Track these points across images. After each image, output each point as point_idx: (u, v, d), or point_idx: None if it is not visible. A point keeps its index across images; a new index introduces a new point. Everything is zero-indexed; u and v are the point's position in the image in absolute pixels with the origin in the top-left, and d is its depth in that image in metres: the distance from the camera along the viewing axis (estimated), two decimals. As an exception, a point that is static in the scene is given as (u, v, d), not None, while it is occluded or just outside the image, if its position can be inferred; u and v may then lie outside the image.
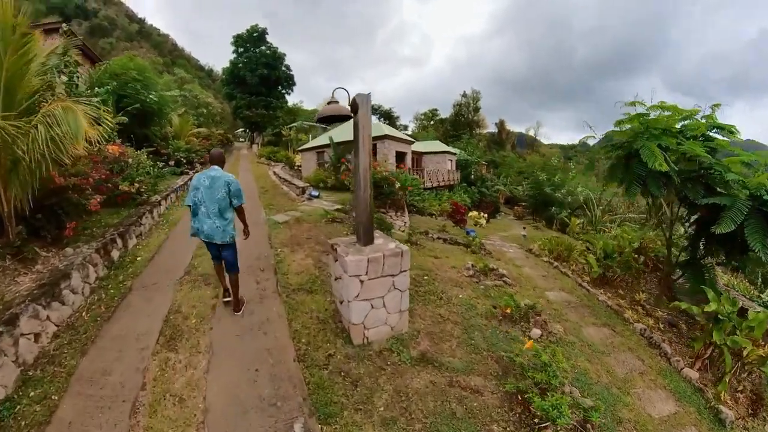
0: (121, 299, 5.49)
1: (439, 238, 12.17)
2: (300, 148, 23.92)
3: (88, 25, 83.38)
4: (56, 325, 4.54)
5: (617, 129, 7.31)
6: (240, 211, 4.89)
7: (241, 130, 49.64)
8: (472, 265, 7.89)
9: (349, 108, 4.61)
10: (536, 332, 5.37)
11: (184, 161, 16.78)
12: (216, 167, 4.79)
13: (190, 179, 16.97)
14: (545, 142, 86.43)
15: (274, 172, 20.94)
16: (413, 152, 24.14)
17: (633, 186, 6.58)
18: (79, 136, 4.97)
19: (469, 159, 36.91)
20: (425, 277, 6.94)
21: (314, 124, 39.21)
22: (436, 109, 65.97)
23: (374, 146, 18.57)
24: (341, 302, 4.85)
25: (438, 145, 33.15)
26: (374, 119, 53.41)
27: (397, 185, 13.08)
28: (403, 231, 11.11)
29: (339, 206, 12.16)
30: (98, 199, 7.19)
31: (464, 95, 65.77)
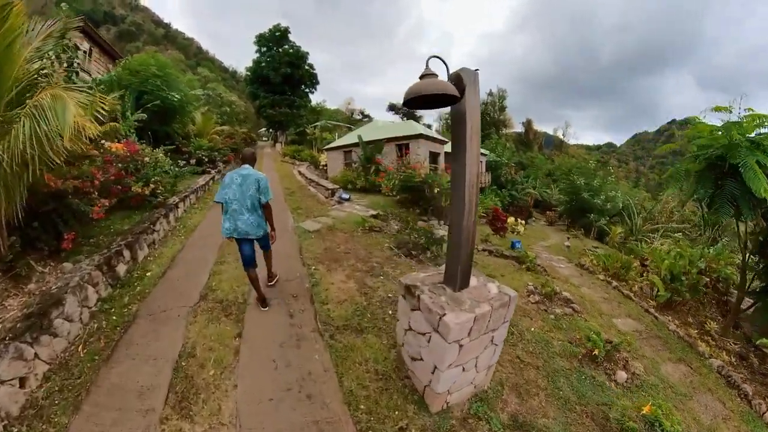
0: (124, 331, 4.36)
1: (484, 250, 10.85)
2: (326, 147, 22.91)
3: (116, 30, 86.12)
4: (47, 363, 3.61)
5: (700, 135, 6.46)
6: (266, 208, 4.79)
7: (264, 129, 49.14)
8: (535, 288, 6.84)
9: (452, 85, 2.94)
10: (622, 375, 4.71)
11: (206, 160, 15.84)
12: (247, 166, 4.85)
13: (212, 179, 16.14)
14: (573, 142, 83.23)
15: (300, 172, 19.88)
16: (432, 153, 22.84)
17: (725, 207, 5.89)
18: (66, 129, 3.85)
19: (499, 160, 35.23)
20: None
21: (339, 123, 38.31)
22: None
23: (406, 146, 17.31)
24: (414, 359, 3.54)
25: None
26: (394, 118, 52.23)
27: (436, 190, 11.78)
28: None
29: (374, 212, 10.92)
30: (102, 205, 6.14)
31: (490, 94, 63.72)
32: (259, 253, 5.03)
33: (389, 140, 17.22)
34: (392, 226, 9.80)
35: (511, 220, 19.17)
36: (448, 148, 25.76)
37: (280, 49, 38.09)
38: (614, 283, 8.82)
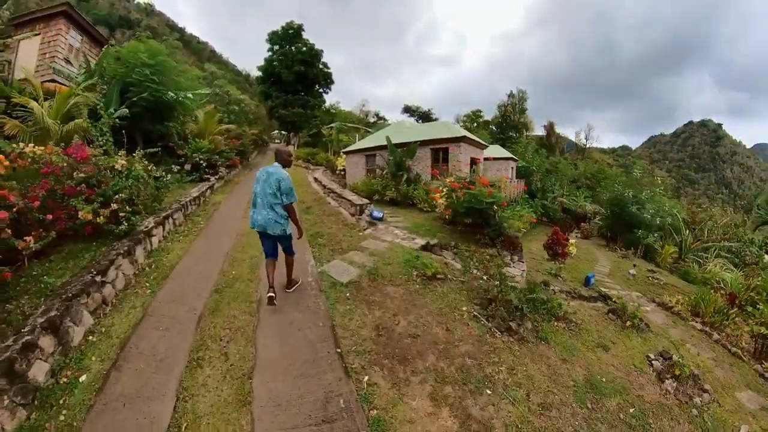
0: None
1: (561, 291, 8.07)
2: (345, 150, 20.19)
3: (131, 34, 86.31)
4: None
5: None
6: (289, 210, 4.76)
7: (277, 131, 46.72)
8: (663, 366, 5.07)
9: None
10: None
11: (204, 165, 13.15)
12: (277, 164, 4.87)
13: (210, 188, 12.80)
14: (597, 146, 79.73)
15: (315, 179, 17.15)
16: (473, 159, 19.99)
17: None
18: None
19: (529, 166, 32.28)
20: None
21: (356, 125, 35.62)
22: (479, 110, 60.99)
23: (444, 150, 14.49)
24: None
25: (499, 151, 28.79)
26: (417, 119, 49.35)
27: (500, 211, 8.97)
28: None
29: (421, 239, 8.16)
30: (25, 245, 3.51)
31: (510, 95, 60.67)
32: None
33: (422, 143, 14.47)
34: (455, 266, 6.99)
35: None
36: (488, 152, 22.94)
37: (293, 47, 35.72)
38: (715, 335, 7.28)
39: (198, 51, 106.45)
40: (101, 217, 5.57)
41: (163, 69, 12.07)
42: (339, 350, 3.96)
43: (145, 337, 4.11)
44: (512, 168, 28.56)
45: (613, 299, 7.86)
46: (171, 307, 4.73)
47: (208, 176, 12.99)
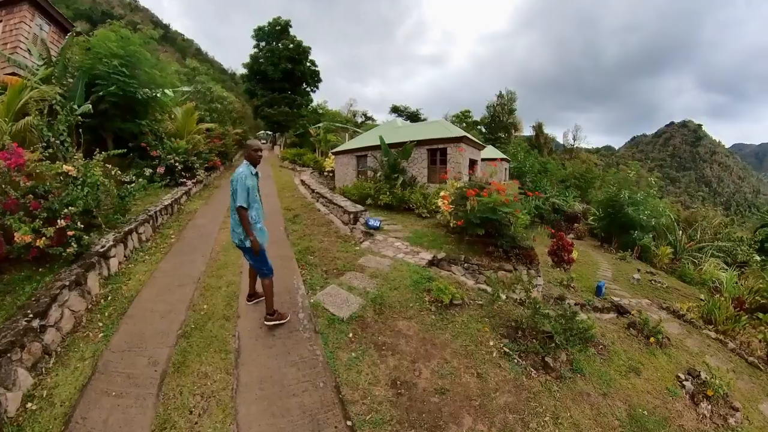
0: None
1: (577, 303, 7.56)
2: (334, 151, 19.12)
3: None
4: None
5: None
6: (240, 216, 3.99)
7: (263, 132, 45.26)
8: (696, 388, 4.81)
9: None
10: None
11: (180, 167, 11.97)
12: (245, 162, 4.26)
13: (187, 194, 11.18)
14: (584, 146, 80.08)
15: (303, 181, 16.09)
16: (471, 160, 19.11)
17: None
18: None
19: (522, 167, 31.72)
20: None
21: (344, 125, 34.50)
22: (468, 111, 60.38)
23: (442, 151, 13.59)
24: None
25: (493, 152, 28.13)
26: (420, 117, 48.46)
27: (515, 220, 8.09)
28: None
29: (427, 252, 7.30)
30: None
31: (500, 95, 60.32)
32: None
33: (418, 144, 13.54)
34: (467, 284, 6.11)
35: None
36: (485, 154, 22.11)
37: (280, 44, 34.46)
38: (730, 344, 7.07)
39: (182, 48, 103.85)
40: (43, 238, 4.49)
41: (135, 61, 10.89)
42: (350, 423, 3.00)
43: (94, 405, 3.11)
44: (506, 169, 27.90)
45: (631, 311, 7.53)
46: (127, 358, 3.70)
47: (185, 180, 11.84)
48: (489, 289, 6.10)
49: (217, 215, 9.96)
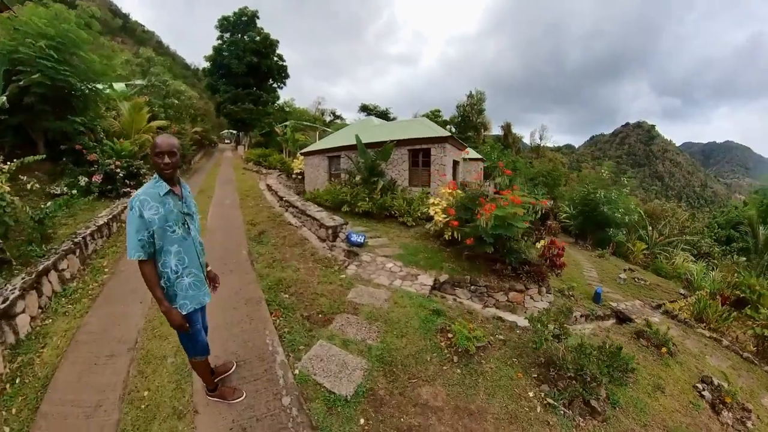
0: None
1: (582, 315, 7.57)
2: (303, 151, 17.52)
3: None
4: None
5: None
6: (141, 271, 2.47)
7: (227, 131, 42.59)
8: (714, 396, 4.86)
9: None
10: None
11: (122, 175, 10.12)
12: (154, 177, 2.55)
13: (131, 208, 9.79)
14: (550, 145, 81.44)
15: (269, 186, 14.45)
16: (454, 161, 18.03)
17: None
18: None
19: (496, 166, 31.07)
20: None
21: (313, 124, 32.72)
22: (438, 110, 59.69)
23: (425, 152, 12.36)
24: None
25: (470, 151, 27.15)
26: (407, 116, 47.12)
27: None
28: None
29: (425, 274, 6.12)
30: None
31: (470, 95, 60.09)
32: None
33: (398, 144, 12.30)
34: (476, 309, 5.05)
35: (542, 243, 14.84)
36: (472, 154, 21.07)
37: (246, 36, 32.08)
38: (724, 341, 7.27)
39: (143, 40, 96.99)
40: None
41: (69, 43, 8.95)
42: None
43: None
44: (481, 168, 27.11)
45: (632, 318, 7.48)
46: None
47: (128, 190, 10.01)
48: (506, 316, 5.31)
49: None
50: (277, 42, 33.33)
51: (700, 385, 5.16)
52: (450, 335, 4.30)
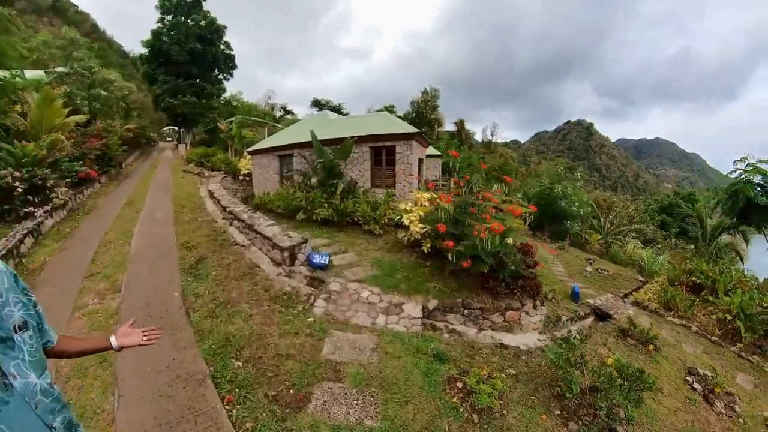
0: None
1: (568, 319, 7.16)
2: (250, 150, 15.34)
3: None
4: None
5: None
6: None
7: (169, 128, 38.43)
8: (707, 389, 5.27)
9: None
10: None
11: (22, 189, 7.72)
12: None
13: (30, 235, 6.28)
14: (500, 141, 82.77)
15: (211, 193, 12.33)
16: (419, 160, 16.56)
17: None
18: None
19: (454, 163, 30.40)
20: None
21: (262, 120, 29.99)
22: (393, 106, 58.40)
23: (389, 150, 10.78)
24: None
25: (429, 148, 26.06)
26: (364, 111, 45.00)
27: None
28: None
29: (410, 301, 4.97)
30: None
31: (424, 92, 59.46)
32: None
33: (359, 141, 10.66)
34: (470, 334, 5.04)
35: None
36: (430, 150, 19.68)
37: (189, 19, 28.34)
38: (693, 327, 7.77)
39: (75, 22, 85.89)
40: None
41: None
42: None
43: None
44: (439, 165, 26.13)
45: (609, 313, 7.61)
46: None
47: (32, 210, 7.61)
48: (506, 339, 5.18)
49: (76, 275, 6.17)
50: (225, 28, 30.04)
51: (689, 378, 5.42)
52: (460, 384, 3.75)
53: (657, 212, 31.56)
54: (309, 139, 10.66)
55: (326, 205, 9.43)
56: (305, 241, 6.74)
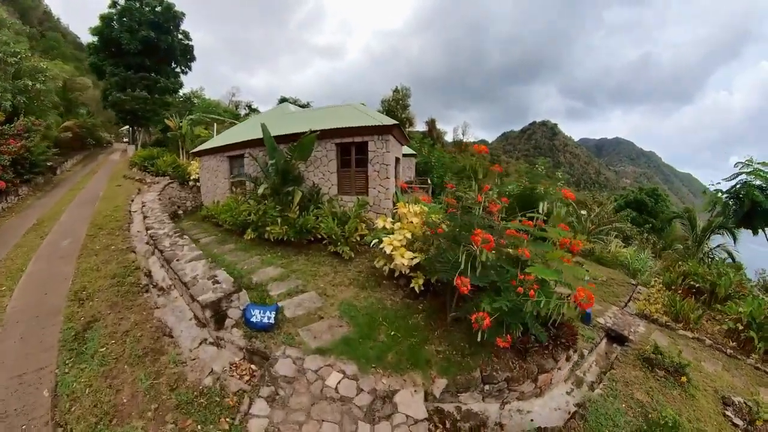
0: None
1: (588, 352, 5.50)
2: (196, 150, 12.67)
3: None
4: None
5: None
6: None
7: (126, 127, 34.39)
8: (748, 422, 4.68)
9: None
10: None
11: None
12: None
13: None
14: (471, 140, 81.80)
15: (143, 207, 9.78)
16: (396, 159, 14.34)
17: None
18: None
19: (428, 162, 28.51)
20: None
21: (219, 117, 26.83)
22: (364, 104, 56.12)
23: (363, 146, 8.50)
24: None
25: (404, 148, 24.04)
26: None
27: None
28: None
29: (408, 382, 3.43)
30: None
31: (395, 90, 57.40)
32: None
33: (322, 135, 8.40)
34: (492, 411, 3.46)
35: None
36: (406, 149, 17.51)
37: (143, 4, 24.65)
38: (707, 341, 6.89)
39: (25, 9, 76.55)
40: None
41: None
42: None
43: None
44: (413, 165, 24.10)
45: (627, 335, 6.51)
46: None
47: None
48: (539, 417, 3.65)
49: None
50: (183, 15, 26.36)
51: (727, 412, 4.74)
52: None
53: (623, 207, 31.17)
54: (261, 135, 8.30)
55: (279, 220, 7.14)
56: (237, 290, 4.45)
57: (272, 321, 4.14)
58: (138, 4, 24.65)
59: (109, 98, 24.92)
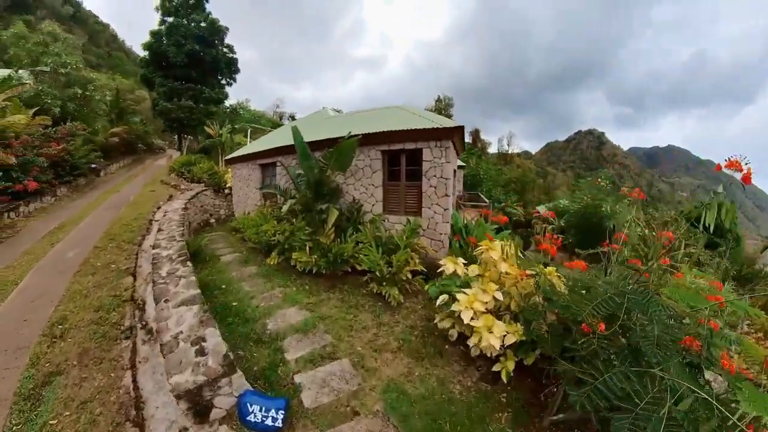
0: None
1: None
2: (229, 158, 11.47)
3: None
4: None
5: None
6: None
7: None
8: None
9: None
10: None
11: None
12: None
13: None
14: (517, 151, 78.34)
15: (163, 218, 8.63)
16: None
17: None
18: None
19: (477, 174, 26.34)
20: None
21: (260, 126, 26.29)
22: (409, 111, 55.05)
23: (415, 154, 6.79)
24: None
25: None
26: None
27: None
28: None
29: None
30: None
31: (438, 100, 55.69)
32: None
33: (365, 141, 6.83)
34: None
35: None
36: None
37: (189, 20, 25.17)
38: None
39: (95, 32, 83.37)
40: None
41: None
42: None
43: None
44: (462, 177, 22.15)
45: None
46: None
47: None
48: None
49: None
50: (226, 29, 26.74)
51: None
52: None
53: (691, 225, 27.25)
54: (293, 141, 6.83)
55: (309, 244, 5.57)
56: (230, 372, 2.86)
57: (279, 424, 2.53)
58: (185, 21, 25.22)
59: (157, 107, 25.35)
